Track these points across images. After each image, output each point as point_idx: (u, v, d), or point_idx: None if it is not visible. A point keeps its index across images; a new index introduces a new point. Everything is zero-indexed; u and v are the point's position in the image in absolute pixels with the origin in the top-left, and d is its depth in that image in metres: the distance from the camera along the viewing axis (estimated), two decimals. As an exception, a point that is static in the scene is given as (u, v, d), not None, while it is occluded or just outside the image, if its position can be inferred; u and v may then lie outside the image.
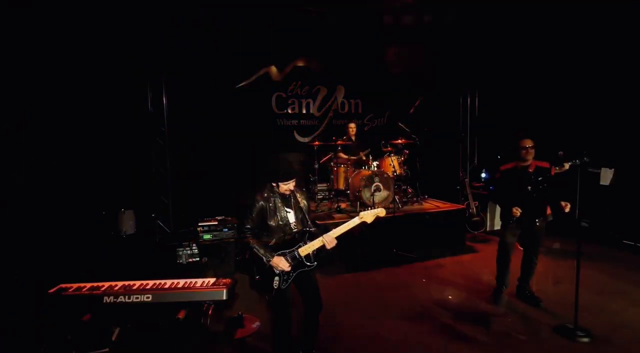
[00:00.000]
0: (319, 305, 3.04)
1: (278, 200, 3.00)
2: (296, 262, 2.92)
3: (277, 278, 2.89)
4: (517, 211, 3.96)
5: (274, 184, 3.00)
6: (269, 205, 2.97)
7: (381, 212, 3.05)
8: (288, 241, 2.97)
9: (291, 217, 3.02)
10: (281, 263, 2.86)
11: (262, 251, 2.89)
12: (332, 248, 2.93)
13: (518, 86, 7.52)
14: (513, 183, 4.05)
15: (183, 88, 6.66)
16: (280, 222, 2.98)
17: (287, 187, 2.96)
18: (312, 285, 3.04)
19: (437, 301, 4.33)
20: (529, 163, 4.00)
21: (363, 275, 5.13)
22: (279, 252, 2.91)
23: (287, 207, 3.02)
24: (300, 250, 2.92)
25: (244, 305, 4.14)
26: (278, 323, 3.01)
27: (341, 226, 2.98)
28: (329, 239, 2.90)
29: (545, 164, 4.03)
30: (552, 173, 4.03)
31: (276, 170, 2.96)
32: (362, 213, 3.01)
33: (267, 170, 3.03)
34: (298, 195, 3.07)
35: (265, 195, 3.00)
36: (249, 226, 2.97)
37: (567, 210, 3.81)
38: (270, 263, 2.86)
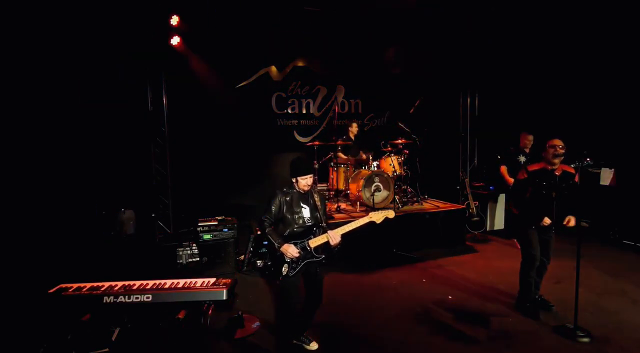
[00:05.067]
0: (319, 300, 3.33)
1: (296, 196, 3.25)
2: (305, 252, 3.15)
3: (286, 265, 3.11)
4: (547, 221, 3.70)
5: (294, 180, 3.26)
6: (287, 199, 3.22)
7: (390, 213, 3.28)
8: (300, 233, 3.20)
9: (306, 212, 3.26)
10: (290, 249, 3.08)
11: (275, 237, 3.13)
12: (336, 245, 3.14)
13: (518, 86, 7.53)
14: (539, 187, 3.71)
15: (183, 88, 6.67)
16: (296, 216, 3.22)
17: (305, 182, 3.20)
18: (317, 280, 3.28)
19: (437, 301, 4.33)
20: (556, 166, 3.70)
21: (363, 275, 5.13)
22: (291, 242, 3.13)
23: (303, 204, 3.27)
24: (310, 241, 3.16)
25: (244, 305, 4.15)
26: (285, 309, 3.28)
27: (349, 224, 3.22)
28: (333, 235, 3.12)
29: (572, 170, 3.73)
30: (576, 179, 3.74)
31: (296, 166, 3.23)
32: (371, 213, 3.25)
33: (290, 168, 3.27)
34: (315, 196, 3.31)
35: (285, 190, 3.27)
36: (267, 216, 3.21)
37: (570, 224, 3.71)
38: (281, 249, 3.08)
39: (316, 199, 3.29)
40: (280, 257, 3.12)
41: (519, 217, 3.93)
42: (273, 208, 3.20)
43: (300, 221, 3.21)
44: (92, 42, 5.74)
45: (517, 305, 4.08)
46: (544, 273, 4.06)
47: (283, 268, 3.10)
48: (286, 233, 3.20)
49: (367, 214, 3.28)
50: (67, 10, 5.39)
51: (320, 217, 3.26)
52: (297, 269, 3.13)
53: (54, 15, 5.33)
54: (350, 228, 3.20)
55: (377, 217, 3.23)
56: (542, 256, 3.96)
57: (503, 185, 6.56)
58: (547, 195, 3.74)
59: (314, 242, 3.15)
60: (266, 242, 3.31)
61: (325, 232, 3.18)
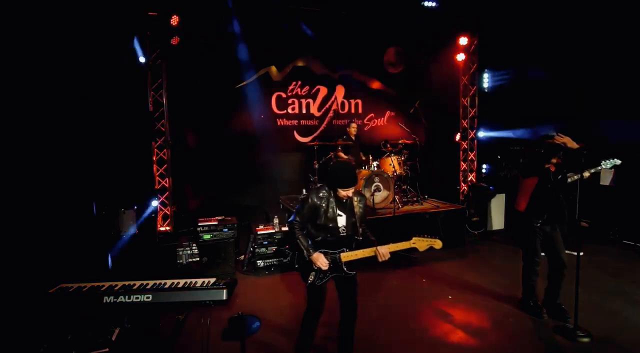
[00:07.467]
0: (352, 315, 3.08)
1: (333, 202, 2.96)
2: (335, 264, 2.92)
3: (313, 273, 2.92)
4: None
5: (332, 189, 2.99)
6: (323, 205, 2.93)
7: (437, 244, 3.03)
8: (332, 242, 2.95)
9: (342, 220, 2.98)
10: (320, 260, 2.87)
11: (305, 244, 2.90)
12: (383, 262, 2.92)
13: (518, 85, 7.53)
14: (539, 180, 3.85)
15: (183, 88, 6.67)
16: (330, 224, 2.94)
17: (345, 193, 2.91)
18: (351, 294, 3.05)
19: (437, 301, 4.33)
20: (550, 165, 3.85)
21: (363, 276, 5.10)
22: (321, 250, 2.92)
23: (340, 210, 2.98)
24: (342, 255, 2.91)
25: (244, 305, 4.15)
26: (308, 314, 3.07)
27: (395, 244, 2.96)
28: (384, 252, 2.88)
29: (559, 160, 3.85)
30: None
31: (338, 177, 2.91)
32: (414, 239, 3.01)
33: (328, 175, 2.99)
34: (355, 201, 2.99)
35: (321, 194, 2.96)
36: (298, 219, 2.95)
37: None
38: (311, 258, 2.88)
39: (355, 203, 2.97)
40: (308, 263, 2.92)
41: (524, 213, 3.92)
42: (306, 212, 2.93)
43: (335, 230, 2.94)
44: (92, 41, 5.73)
45: (521, 304, 4.12)
46: (561, 278, 3.88)
47: (310, 276, 2.92)
48: (318, 240, 2.95)
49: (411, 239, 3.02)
50: (70, 9, 5.38)
51: (357, 226, 2.96)
52: (325, 280, 2.93)
53: (56, 13, 5.33)
54: (396, 249, 2.95)
55: (421, 244, 2.99)
56: (554, 259, 3.89)
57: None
58: (545, 191, 3.83)
59: (347, 257, 2.89)
60: (287, 248, 2.88)
61: (360, 245, 2.94)
